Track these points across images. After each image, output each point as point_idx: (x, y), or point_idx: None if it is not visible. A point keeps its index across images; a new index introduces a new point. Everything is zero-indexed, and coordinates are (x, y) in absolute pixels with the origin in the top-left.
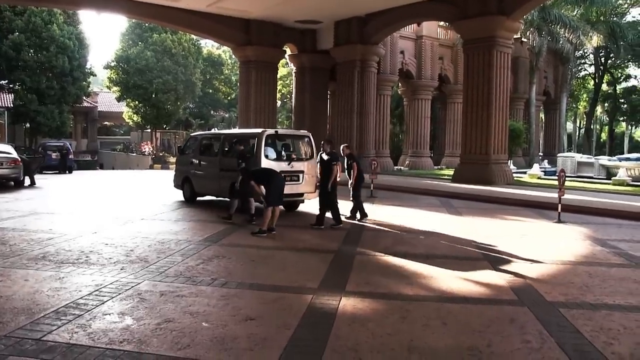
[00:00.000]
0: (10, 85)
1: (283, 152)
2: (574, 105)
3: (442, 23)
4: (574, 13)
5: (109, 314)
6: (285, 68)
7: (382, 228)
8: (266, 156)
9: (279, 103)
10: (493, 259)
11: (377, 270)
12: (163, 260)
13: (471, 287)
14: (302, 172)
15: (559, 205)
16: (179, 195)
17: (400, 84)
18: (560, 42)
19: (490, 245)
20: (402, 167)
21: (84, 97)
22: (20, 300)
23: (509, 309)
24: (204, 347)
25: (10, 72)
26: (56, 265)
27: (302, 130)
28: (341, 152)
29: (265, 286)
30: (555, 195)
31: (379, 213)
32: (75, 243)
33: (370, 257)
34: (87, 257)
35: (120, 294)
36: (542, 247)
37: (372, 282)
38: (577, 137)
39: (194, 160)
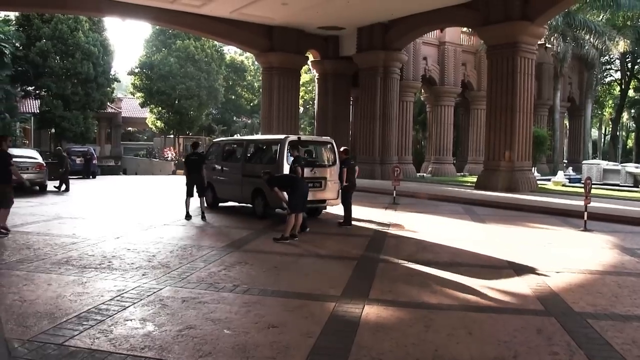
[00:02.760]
0: (37, 92)
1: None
2: (599, 112)
3: (465, 29)
4: (600, 18)
5: (131, 320)
6: (308, 74)
7: (405, 235)
8: (288, 163)
9: (301, 109)
10: (518, 267)
11: (400, 278)
12: (185, 266)
13: (496, 295)
14: (325, 178)
15: (585, 213)
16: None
17: (423, 90)
18: (586, 48)
19: (514, 254)
20: (424, 174)
21: (108, 103)
22: (44, 304)
23: (535, 319)
24: (226, 354)
25: (37, 78)
26: (79, 269)
27: (324, 137)
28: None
29: (288, 293)
30: (581, 202)
31: (401, 220)
32: (98, 248)
33: (393, 264)
34: (109, 262)
35: (142, 299)
36: (568, 255)
37: (396, 290)
38: (602, 144)
39: (216, 166)
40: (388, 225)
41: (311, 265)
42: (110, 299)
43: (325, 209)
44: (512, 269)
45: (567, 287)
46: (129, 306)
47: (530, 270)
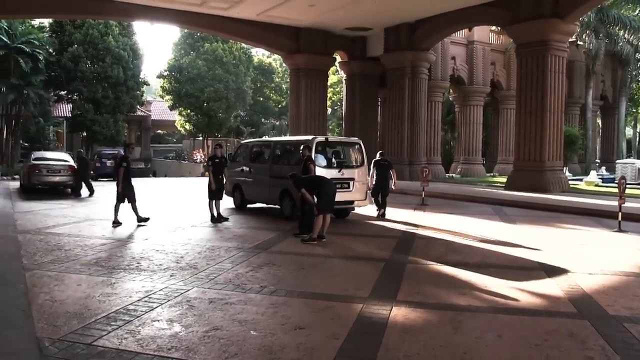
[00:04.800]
0: (69, 96)
1: (333, 160)
2: (634, 110)
3: (494, 28)
4: (635, 13)
5: (158, 321)
6: (336, 75)
7: (434, 236)
8: (316, 163)
9: (329, 110)
10: (549, 268)
11: (429, 280)
12: (212, 267)
13: (527, 297)
14: (353, 179)
15: (619, 214)
16: (229, 202)
17: (451, 90)
18: (620, 44)
19: (546, 255)
20: (453, 174)
21: (138, 106)
22: (73, 304)
23: (567, 321)
24: (252, 356)
25: (69, 83)
26: (108, 270)
27: (352, 138)
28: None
29: (315, 294)
30: (615, 203)
31: (430, 221)
32: (127, 249)
33: (422, 265)
34: (138, 263)
35: (169, 300)
36: (602, 257)
37: (424, 291)
38: (636, 143)
39: (244, 167)
40: (417, 226)
41: (338, 266)
42: (138, 300)
43: (353, 209)
44: (543, 270)
45: (601, 289)
46: (157, 307)
47: (562, 272)
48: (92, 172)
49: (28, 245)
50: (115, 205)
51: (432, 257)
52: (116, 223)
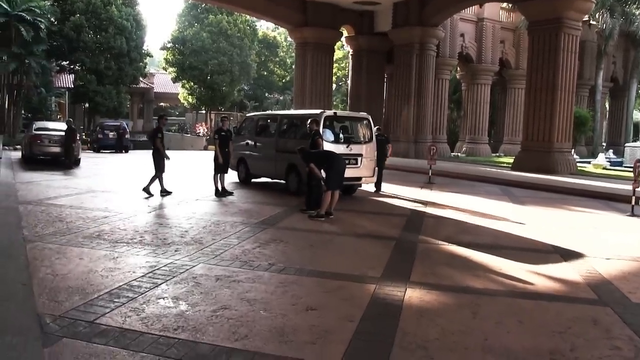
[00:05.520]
0: (71, 66)
1: (341, 135)
2: None
3: (504, 5)
4: None
5: (163, 298)
6: (341, 50)
7: (443, 215)
8: (324, 138)
9: (334, 86)
10: (564, 252)
11: (441, 260)
12: (218, 243)
13: (544, 281)
14: (361, 155)
15: (633, 198)
16: (233, 176)
17: (459, 68)
18: (635, 24)
19: (559, 237)
20: (458, 154)
21: (141, 78)
22: (75, 279)
23: (589, 308)
24: (263, 338)
25: (71, 53)
26: (111, 244)
27: (361, 113)
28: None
29: (326, 273)
30: (626, 186)
31: (438, 199)
32: (130, 222)
33: (433, 245)
34: (141, 236)
35: (174, 277)
36: (617, 241)
37: (438, 272)
38: None
39: (249, 141)
40: (425, 204)
41: (348, 244)
42: (142, 276)
43: (361, 186)
44: (558, 253)
45: (620, 274)
46: (161, 283)
47: (578, 256)
48: (79, 142)
49: (29, 217)
50: (214, 177)
51: (443, 236)
52: (220, 193)
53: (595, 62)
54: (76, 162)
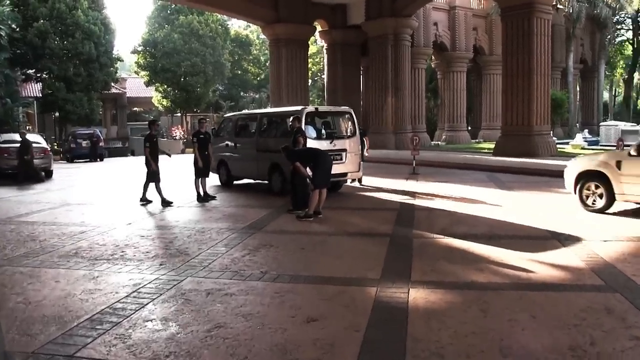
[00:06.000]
0: (38, 75)
1: (323, 130)
2: (610, 73)
3: None
4: None
5: (151, 320)
6: (314, 45)
7: (434, 207)
8: (307, 135)
9: (309, 81)
10: (561, 236)
11: (440, 255)
12: (205, 252)
13: (547, 270)
14: (345, 150)
15: None
16: (214, 179)
17: (434, 57)
18: (599, 7)
19: (552, 222)
20: (438, 142)
21: (112, 84)
22: (51, 306)
23: (599, 295)
24: (264, 358)
25: (37, 60)
26: (89, 262)
27: (343, 107)
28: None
29: (322, 278)
30: None
31: (426, 190)
32: (109, 236)
33: (429, 239)
34: (122, 251)
35: (161, 294)
36: (610, 222)
37: (438, 269)
38: (613, 105)
39: (229, 142)
40: (413, 195)
41: (341, 244)
42: (126, 296)
43: (347, 182)
44: (555, 239)
45: (621, 257)
46: (148, 303)
47: (576, 240)
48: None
49: None
50: (195, 182)
51: (437, 229)
52: (204, 197)
53: (565, 45)
54: (48, 175)
